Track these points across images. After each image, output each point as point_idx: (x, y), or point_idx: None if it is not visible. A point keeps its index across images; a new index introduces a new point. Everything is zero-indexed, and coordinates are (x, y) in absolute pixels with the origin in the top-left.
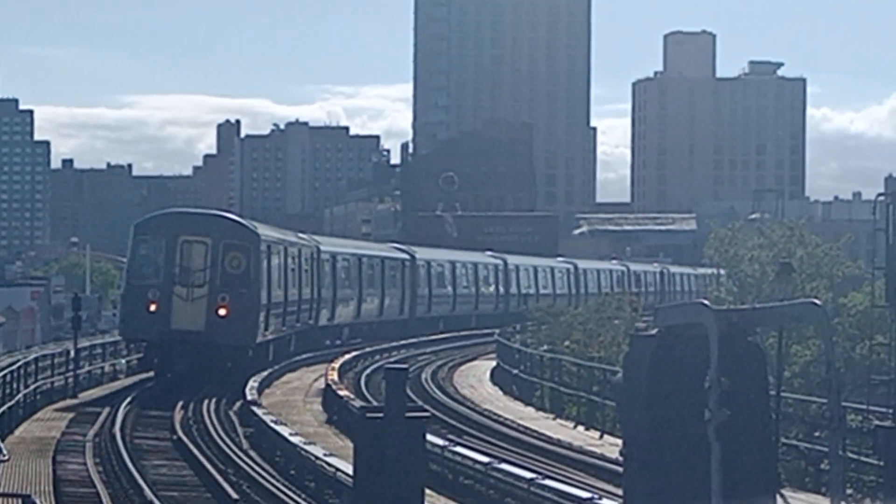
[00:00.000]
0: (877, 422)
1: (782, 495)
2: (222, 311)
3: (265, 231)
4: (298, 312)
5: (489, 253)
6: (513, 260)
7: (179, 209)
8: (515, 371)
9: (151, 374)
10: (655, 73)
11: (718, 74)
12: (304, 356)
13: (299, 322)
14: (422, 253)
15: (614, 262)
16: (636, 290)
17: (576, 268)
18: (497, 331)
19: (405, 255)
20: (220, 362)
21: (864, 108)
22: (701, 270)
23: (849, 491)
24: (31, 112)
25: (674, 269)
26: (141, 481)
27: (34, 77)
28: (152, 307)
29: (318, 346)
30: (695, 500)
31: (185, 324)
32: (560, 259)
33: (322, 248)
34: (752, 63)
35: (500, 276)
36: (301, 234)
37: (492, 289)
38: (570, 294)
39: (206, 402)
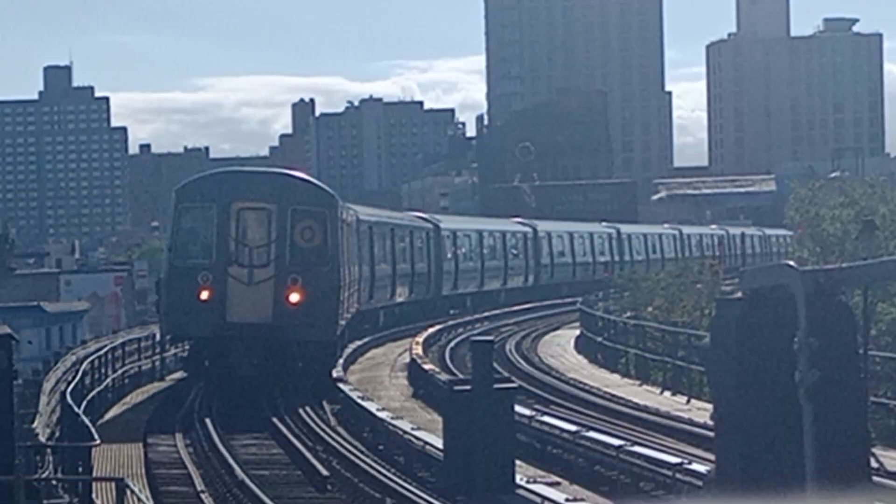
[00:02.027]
0: None
1: (874, 454)
2: (294, 297)
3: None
4: (358, 293)
5: (517, 220)
6: (544, 227)
7: (234, 168)
8: (599, 339)
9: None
10: (729, 34)
11: (793, 33)
12: (389, 331)
13: (353, 307)
14: (447, 222)
15: (666, 225)
16: (695, 255)
17: (619, 233)
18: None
19: (429, 225)
20: (292, 362)
21: None
22: (769, 231)
23: None
24: (107, 99)
25: (736, 230)
26: (231, 461)
27: (109, 64)
28: (203, 294)
29: (358, 335)
30: (787, 461)
31: (246, 315)
32: (603, 224)
33: (360, 216)
34: (826, 20)
35: (529, 244)
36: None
37: (520, 260)
38: (612, 262)
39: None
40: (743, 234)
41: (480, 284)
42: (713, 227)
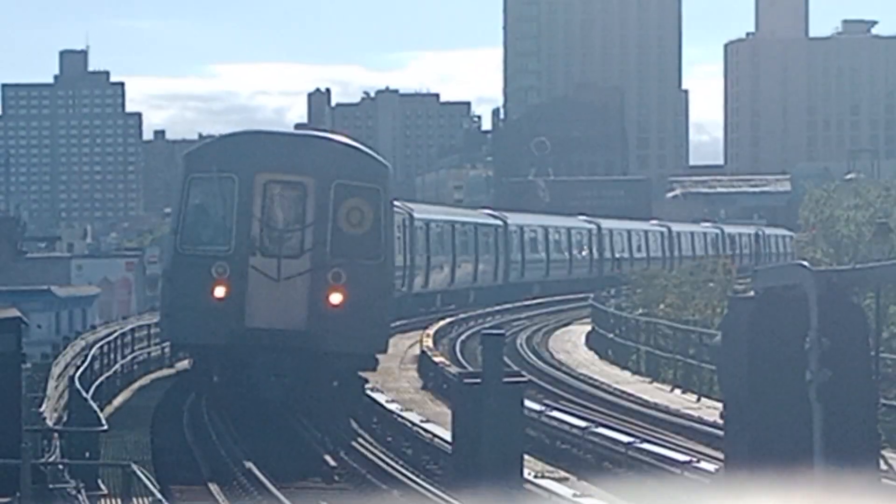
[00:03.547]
0: None
1: (883, 456)
2: (336, 298)
3: None
4: None
5: (487, 211)
6: (515, 219)
7: (261, 129)
8: (611, 335)
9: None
10: (748, 33)
11: (811, 34)
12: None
13: None
14: (420, 211)
15: (654, 222)
16: (685, 254)
17: (599, 229)
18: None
19: (404, 213)
20: (327, 381)
21: None
22: (769, 231)
23: None
24: (122, 84)
25: (733, 229)
26: (238, 449)
27: (125, 49)
28: (217, 291)
29: None
30: (796, 462)
31: (273, 319)
32: (581, 218)
33: None
34: (845, 22)
35: (498, 239)
36: None
37: (490, 255)
38: (591, 260)
39: None
40: (740, 234)
41: (451, 281)
42: (706, 225)
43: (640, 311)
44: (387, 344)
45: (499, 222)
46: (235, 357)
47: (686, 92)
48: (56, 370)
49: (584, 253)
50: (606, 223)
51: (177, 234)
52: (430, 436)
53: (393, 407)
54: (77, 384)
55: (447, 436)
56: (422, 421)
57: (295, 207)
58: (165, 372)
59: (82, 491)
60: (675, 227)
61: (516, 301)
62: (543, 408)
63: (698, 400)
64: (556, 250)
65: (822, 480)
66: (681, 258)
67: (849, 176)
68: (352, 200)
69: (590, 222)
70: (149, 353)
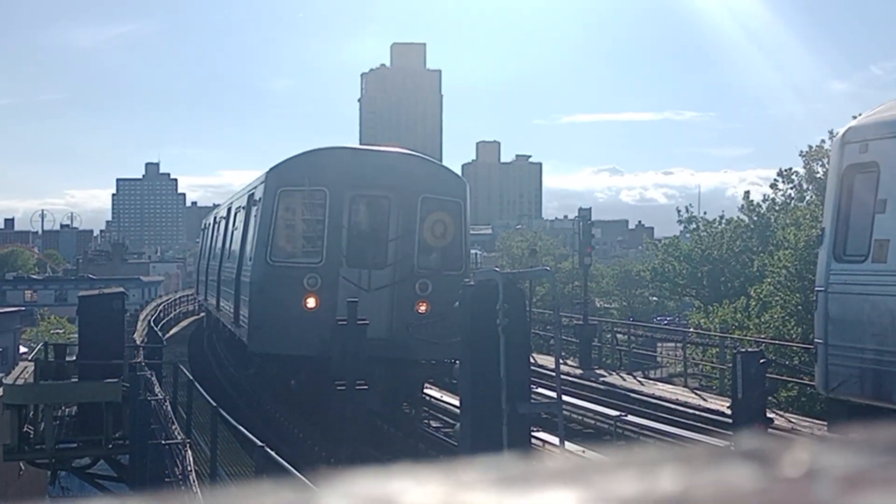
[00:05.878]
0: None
1: (534, 358)
2: (421, 307)
3: None
4: None
5: None
6: None
7: (348, 146)
8: None
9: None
10: (472, 160)
11: (503, 160)
12: None
13: None
14: None
15: None
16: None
17: None
18: None
19: None
20: (416, 387)
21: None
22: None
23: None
24: None
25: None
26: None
27: None
28: (309, 302)
29: None
30: (493, 361)
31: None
32: None
33: None
34: (519, 156)
35: None
36: None
37: None
38: None
39: None
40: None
41: None
42: None
43: None
44: None
45: None
46: (325, 367)
47: None
48: (142, 316)
49: None
50: None
51: (265, 246)
52: None
53: None
54: (152, 323)
55: None
56: None
57: (383, 220)
58: (194, 318)
59: (153, 376)
60: None
61: None
62: None
63: None
64: None
65: (505, 374)
66: None
67: (518, 227)
68: (437, 214)
69: None
70: (187, 307)
